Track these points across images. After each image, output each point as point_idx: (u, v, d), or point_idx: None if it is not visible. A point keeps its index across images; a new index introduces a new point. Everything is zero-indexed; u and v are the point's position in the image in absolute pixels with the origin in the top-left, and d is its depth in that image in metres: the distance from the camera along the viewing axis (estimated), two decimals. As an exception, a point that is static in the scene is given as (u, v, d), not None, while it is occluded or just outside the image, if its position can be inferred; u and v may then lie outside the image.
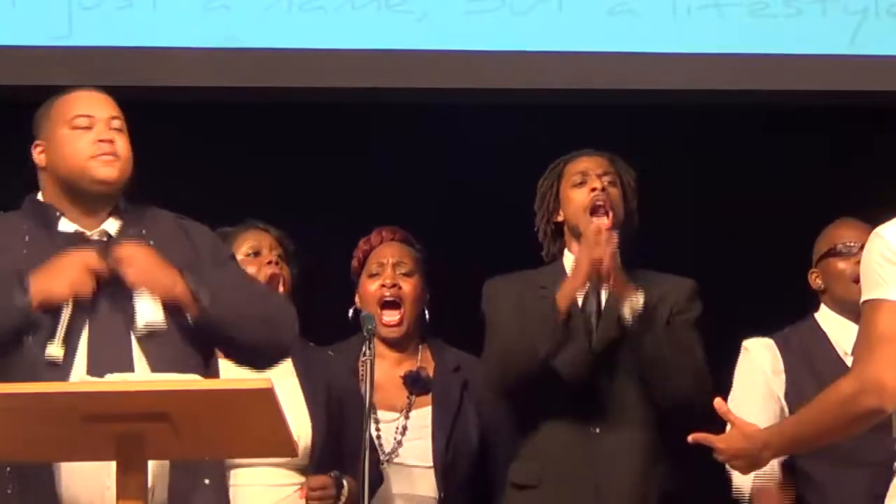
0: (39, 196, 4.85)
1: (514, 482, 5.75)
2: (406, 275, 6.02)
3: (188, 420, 4.12)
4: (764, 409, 5.67)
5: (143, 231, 4.82)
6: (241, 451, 4.66)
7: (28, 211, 4.82)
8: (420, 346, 6.06)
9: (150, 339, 4.70)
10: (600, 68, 7.16)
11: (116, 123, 4.80)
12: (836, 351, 5.73)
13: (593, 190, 5.72)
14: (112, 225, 4.81)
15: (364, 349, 5.50)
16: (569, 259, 5.77)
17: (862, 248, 5.21)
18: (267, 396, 4.07)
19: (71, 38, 7.15)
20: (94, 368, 4.56)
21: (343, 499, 5.55)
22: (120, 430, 4.12)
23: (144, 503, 4.18)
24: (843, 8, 7.18)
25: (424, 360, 6.03)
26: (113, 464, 4.38)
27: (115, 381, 4.36)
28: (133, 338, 4.71)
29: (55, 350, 4.61)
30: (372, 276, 6.01)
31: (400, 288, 5.96)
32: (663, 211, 6.01)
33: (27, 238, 4.76)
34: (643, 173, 5.87)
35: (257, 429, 4.24)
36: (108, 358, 4.63)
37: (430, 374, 5.98)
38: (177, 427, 4.11)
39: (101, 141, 4.73)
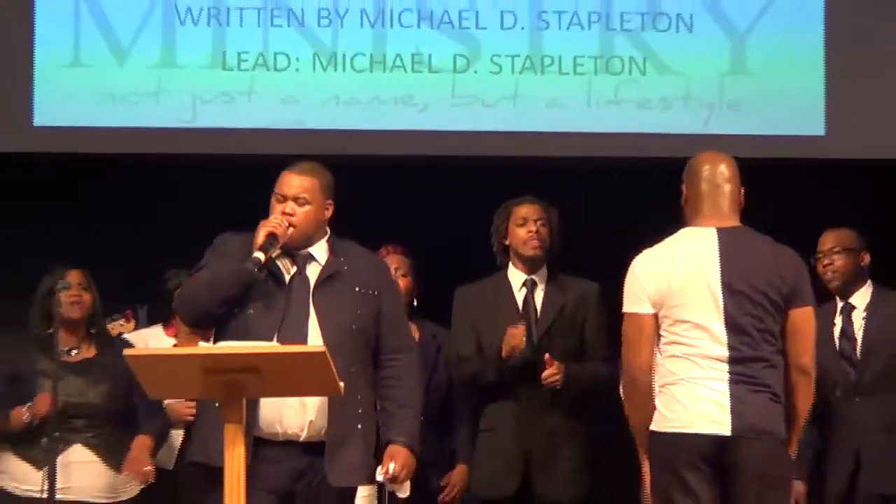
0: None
1: (480, 428, 5.83)
2: (403, 275, 5.98)
3: (271, 372, 4.11)
4: None
5: (342, 259, 4.82)
6: (304, 392, 4.48)
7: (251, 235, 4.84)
8: (410, 322, 5.84)
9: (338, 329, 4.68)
10: (540, 142, 7.29)
11: (301, 199, 4.75)
12: (832, 336, 5.78)
13: (530, 231, 5.81)
14: (321, 252, 4.78)
15: None
16: (512, 272, 5.88)
17: (831, 251, 5.70)
18: (321, 357, 4.13)
19: (194, 122, 7.30)
20: (283, 338, 4.60)
21: None
22: (226, 378, 4.12)
23: (241, 425, 4.11)
24: (699, 103, 7.33)
25: (413, 331, 5.81)
26: (317, 399, 4.52)
27: (228, 346, 4.40)
28: (314, 322, 4.64)
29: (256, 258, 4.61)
30: None
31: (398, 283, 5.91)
32: (577, 237, 6.02)
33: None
34: (566, 212, 5.92)
35: (314, 377, 4.19)
36: (293, 332, 4.62)
37: (416, 339, 5.83)
38: (263, 376, 4.11)
39: (284, 213, 4.75)
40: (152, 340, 5.93)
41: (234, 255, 4.69)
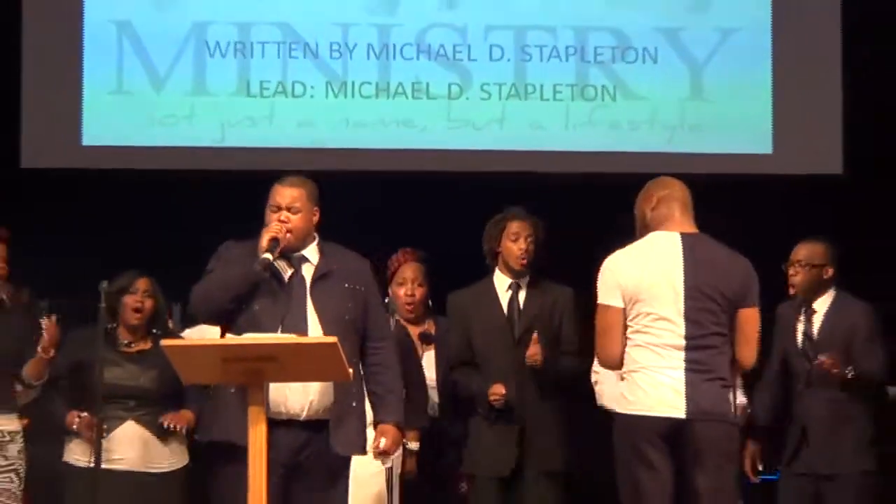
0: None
1: (479, 412, 5.87)
2: (419, 285, 6.05)
3: (288, 360, 4.27)
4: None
5: (331, 259, 4.91)
6: (317, 378, 4.59)
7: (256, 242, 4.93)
8: (427, 320, 6.09)
9: (332, 321, 4.78)
10: (524, 160, 7.47)
11: (294, 207, 4.86)
12: (796, 334, 5.92)
13: (521, 249, 5.84)
14: (312, 253, 4.90)
15: (391, 322, 5.50)
16: (498, 276, 5.93)
17: (798, 263, 5.78)
18: (333, 347, 4.29)
19: (223, 142, 7.50)
20: (286, 329, 4.72)
21: None
22: (249, 366, 4.29)
23: (264, 407, 4.28)
24: (662, 126, 7.51)
25: (429, 327, 6.08)
26: (316, 383, 4.62)
27: (251, 338, 4.47)
28: (313, 315, 4.74)
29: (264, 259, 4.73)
30: (399, 284, 6.04)
31: (415, 295, 6.03)
32: (555, 244, 5.95)
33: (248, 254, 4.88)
34: (546, 220, 5.93)
35: (326, 365, 4.34)
36: (295, 324, 4.74)
37: (433, 333, 6.07)
38: (281, 364, 4.27)
39: (280, 221, 4.85)
40: (210, 332, 5.71)
41: (236, 260, 4.84)
